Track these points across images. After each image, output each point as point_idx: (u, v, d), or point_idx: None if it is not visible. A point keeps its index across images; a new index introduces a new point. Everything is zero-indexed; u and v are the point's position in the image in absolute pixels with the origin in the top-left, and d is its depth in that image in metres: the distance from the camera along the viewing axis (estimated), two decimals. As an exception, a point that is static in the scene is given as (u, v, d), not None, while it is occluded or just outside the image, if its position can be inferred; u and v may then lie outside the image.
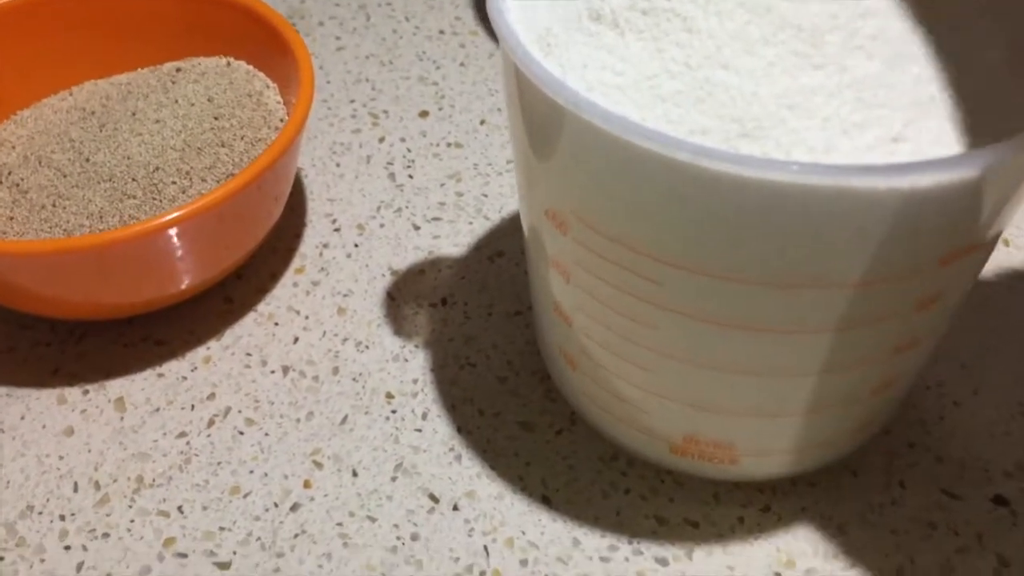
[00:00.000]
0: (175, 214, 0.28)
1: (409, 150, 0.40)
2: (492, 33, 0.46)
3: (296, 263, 0.36)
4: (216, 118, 0.34)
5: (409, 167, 0.40)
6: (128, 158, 0.33)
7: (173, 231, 0.29)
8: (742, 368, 0.23)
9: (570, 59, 0.21)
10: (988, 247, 0.23)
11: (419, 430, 0.31)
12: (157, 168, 0.32)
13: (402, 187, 0.39)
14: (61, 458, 0.30)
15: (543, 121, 0.22)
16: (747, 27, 0.19)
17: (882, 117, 0.19)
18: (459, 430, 0.31)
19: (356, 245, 0.36)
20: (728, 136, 0.19)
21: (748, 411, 0.25)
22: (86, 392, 0.31)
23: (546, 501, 0.29)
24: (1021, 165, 0.20)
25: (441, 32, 0.46)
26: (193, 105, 0.34)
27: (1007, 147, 0.18)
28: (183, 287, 0.32)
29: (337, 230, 0.37)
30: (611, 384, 0.26)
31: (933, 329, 0.24)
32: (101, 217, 0.31)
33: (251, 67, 0.36)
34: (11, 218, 0.32)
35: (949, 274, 0.22)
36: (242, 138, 0.34)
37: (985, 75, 0.20)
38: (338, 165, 0.40)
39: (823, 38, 0.19)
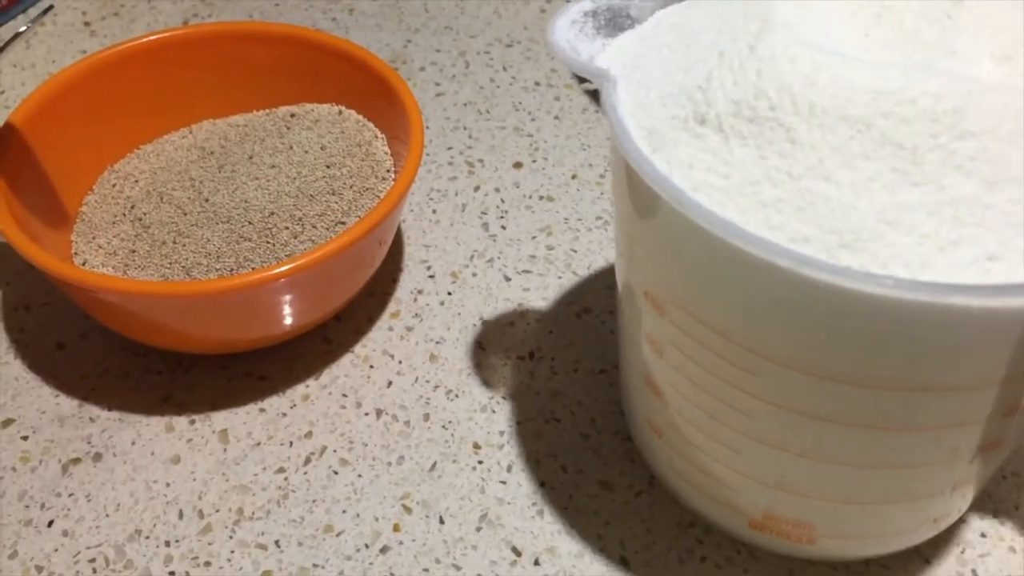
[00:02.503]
0: (292, 264, 0.30)
1: (503, 200, 0.42)
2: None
3: (392, 307, 0.37)
4: (328, 166, 0.36)
5: (502, 218, 0.41)
6: (245, 201, 0.34)
7: (288, 279, 0.30)
8: (829, 457, 0.24)
9: (676, 157, 0.22)
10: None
11: (504, 482, 0.32)
12: (272, 213, 0.34)
13: (495, 237, 0.40)
14: (168, 485, 0.32)
15: (650, 214, 0.23)
16: (848, 142, 0.21)
17: (978, 236, 0.20)
18: (542, 485, 0.32)
19: (449, 293, 0.38)
20: (828, 246, 0.20)
21: (831, 496, 0.26)
22: (193, 422, 0.33)
23: (624, 563, 0.30)
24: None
25: (537, 84, 0.48)
26: (307, 152, 0.36)
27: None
28: (290, 328, 0.33)
29: (432, 277, 0.38)
30: (696, 458, 0.27)
31: (1018, 431, 0.25)
32: (218, 257, 0.33)
33: (361, 116, 0.38)
34: (133, 251, 0.34)
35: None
36: (351, 187, 0.35)
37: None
38: (434, 212, 0.41)
39: (923, 156, 0.20)
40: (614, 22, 0.26)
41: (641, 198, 0.23)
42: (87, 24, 0.50)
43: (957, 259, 0.20)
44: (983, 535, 0.31)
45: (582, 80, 0.25)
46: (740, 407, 0.24)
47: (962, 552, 0.30)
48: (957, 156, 0.20)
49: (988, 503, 0.32)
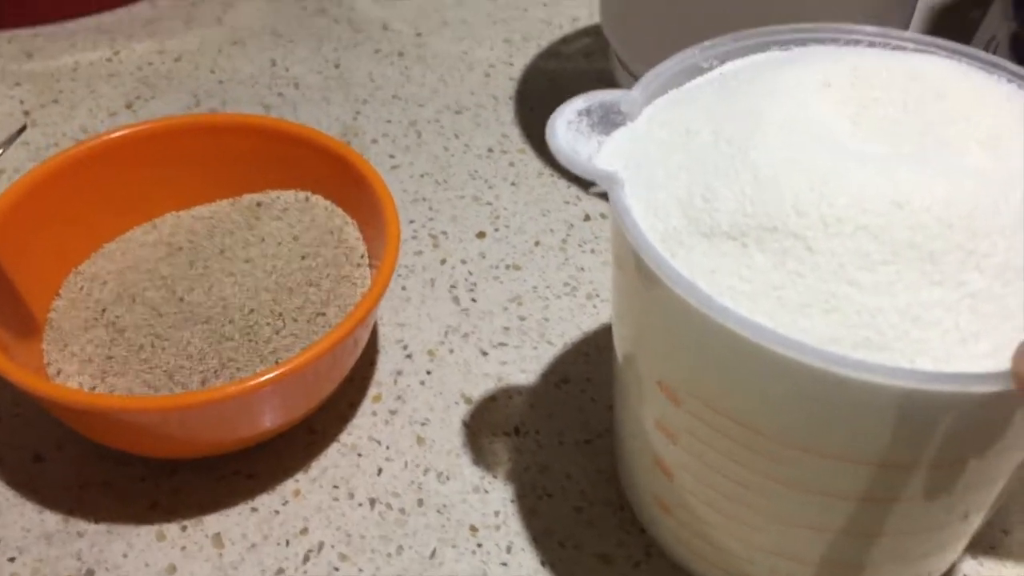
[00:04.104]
0: (282, 370, 0.30)
1: (471, 272, 0.42)
2: (540, 150, 0.48)
3: (373, 390, 0.37)
4: (303, 257, 0.36)
5: (472, 290, 0.41)
6: (223, 299, 0.34)
7: (276, 384, 0.30)
8: (845, 529, 0.25)
9: (696, 262, 0.23)
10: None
11: (505, 564, 0.32)
12: (252, 310, 0.34)
13: (467, 311, 0.40)
14: (166, 597, 0.31)
15: (672, 316, 0.24)
16: (867, 247, 0.22)
17: (995, 327, 0.21)
18: (543, 563, 0.32)
19: (428, 372, 0.38)
20: (856, 345, 0.21)
21: (845, 563, 0.27)
22: (184, 528, 0.33)
23: (632, 636, 0.31)
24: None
25: (490, 150, 0.48)
26: (280, 244, 0.36)
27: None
28: (276, 427, 0.33)
29: (409, 356, 0.39)
30: (708, 534, 0.28)
31: (1012, 489, 0.27)
32: (201, 359, 0.33)
33: (329, 202, 0.38)
34: (110, 357, 0.33)
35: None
36: (328, 276, 0.35)
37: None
38: (404, 288, 0.41)
39: (941, 258, 0.21)
40: (607, 119, 0.27)
41: (662, 301, 0.24)
42: (26, 113, 0.49)
43: (978, 350, 0.21)
44: (966, 576, 0.32)
45: (587, 183, 0.26)
46: (758, 490, 0.25)
47: (949, 595, 0.32)
48: (974, 256, 0.21)
49: (967, 546, 0.33)
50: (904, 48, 0.28)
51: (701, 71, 0.29)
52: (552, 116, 0.27)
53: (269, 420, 0.32)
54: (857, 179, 0.22)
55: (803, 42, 0.29)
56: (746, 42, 0.29)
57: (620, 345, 0.29)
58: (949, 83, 0.26)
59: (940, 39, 0.29)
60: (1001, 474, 0.25)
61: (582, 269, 0.42)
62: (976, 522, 0.28)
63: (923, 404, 0.21)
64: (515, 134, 0.49)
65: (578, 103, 0.27)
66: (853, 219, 0.22)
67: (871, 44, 0.29)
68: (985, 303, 0.21)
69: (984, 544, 0.33)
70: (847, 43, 0.29)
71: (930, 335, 0.21)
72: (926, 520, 0.25)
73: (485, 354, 0.39)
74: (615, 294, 0.29)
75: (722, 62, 0.29)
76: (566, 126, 0.26)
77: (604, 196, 0.24)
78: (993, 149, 0.24)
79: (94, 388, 0.33)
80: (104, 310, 0.35)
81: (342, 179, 0.38)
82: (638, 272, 0.25)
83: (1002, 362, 0.21)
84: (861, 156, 0.23)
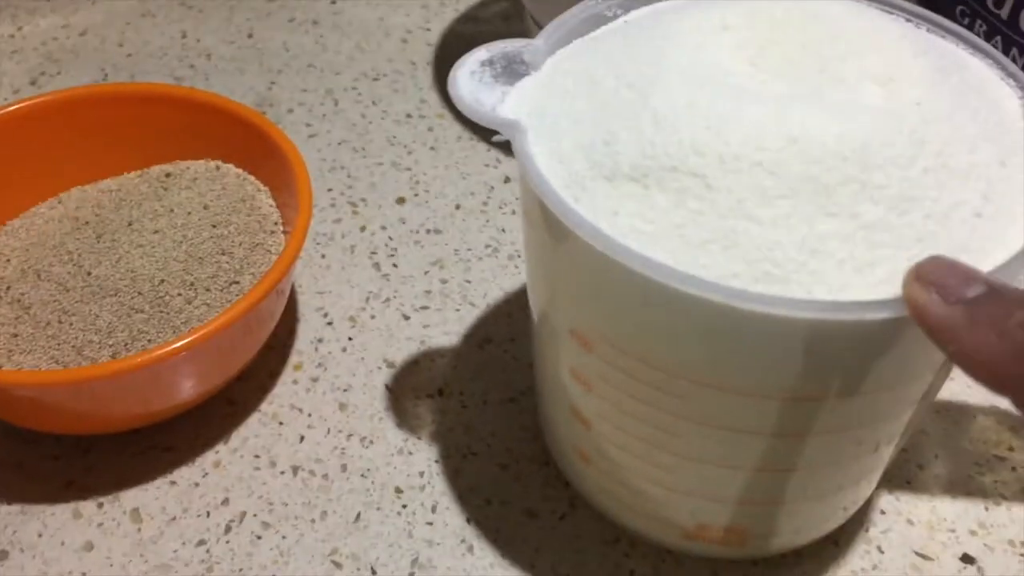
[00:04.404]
0: (192, 337, 0.29)
1: (391, 238, 0.42)
2: (459, 115, 0.48)
3: (294, 359, 0.37)
4: (214, 226, 0.35)
5: (392, 255, 0.41)
6: (132, 271, 0.33)
7: (191, 351, 0.30)
8: (758, 466, 0.26)
9: (599, 205, 0.23)
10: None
11: (431, 523, 0.32)
12: (162, 281, 0.33)
13: (388, 276, 0.40)
14: (84, 575, 0.30)
15: (578, 261, 0.24)
16: (764, 183, 0.22)
17: (889, 256, 0.22)
18: (468, 521, 0.32)
19: (350, 338, 0.38)
20: (756, 279, 0.21)
21: (761, 501, 0.27)
22: (100, 505, 0.32)
23: (558, 587, 0.31)
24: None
25: (408, 116, 0.48)
26: (190, 214, 0.35)
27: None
28: (193, 397, 0.32)
29: (330, 324, 0.38)
30: (628, 480, 0.28)
31: (920, 421, 0.27)
32: (110, 332, 0.32)
33: (240, 170, 0.38)
34: (15, 335, 0.32)
35: (940, 377, 0.25)
36: (241, 244, 0.35)
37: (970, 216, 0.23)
38: (323, 256, 0.41)
39: (835, 190, 0.22)
40: (510, 69, 0.26)
41: (567, 247, 0.24)
42: (-75, 92, 0.47)
43: (873, 278, 0.21)
44: (882, 512, 0.33)
45: (491, 133, 0.25)
46: (671, 430, 0.25)
47: (866, 531, 0.32)
48: (867, 187, 0.22)
49: (883, 480, 0.34)
50: (803, -10, 0.29)
51: (605, 20, 0.29)
52: (454, 66, 0.26)
53: (184, 391, 0.32)
54: (753, 117, 0.22)
55: None
56: None
57: (534, 297, 0.29)
58: (846, 23, 0.26)
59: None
60: (908, 403, 0.25)
61: (503, 231, 0.42)
62: (887, 454, 0.28)
63: (822, 334, 0.21)
64: (433, 99, 0.49)
65: (480, 53, 0.27)
66: (749, 156, 0.22)
67: None
68: (880, 233, 0.22)
69: (900, 478, 0.34)
70: (747, -13, 0.29)
71: (826, 266, 0.21)
72: (837, 453, 0.26)
73: (407, 318, 0.39)
74: (526, 247, 0.29)
75: (626, 11, 0.29)
76: (468, 76, 0.26)
77: (508, 146, 0.24)
78: (887, 85, 0.24)
79: (0, 367, 0.32)
80: (8, 287, 0.34)
81: (253, 147, 0.37)
82: (543, 219, 0.25)
83: (897, 288, 0.21)
84: (758, 95, 0.23)
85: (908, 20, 0.28)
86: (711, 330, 0.22)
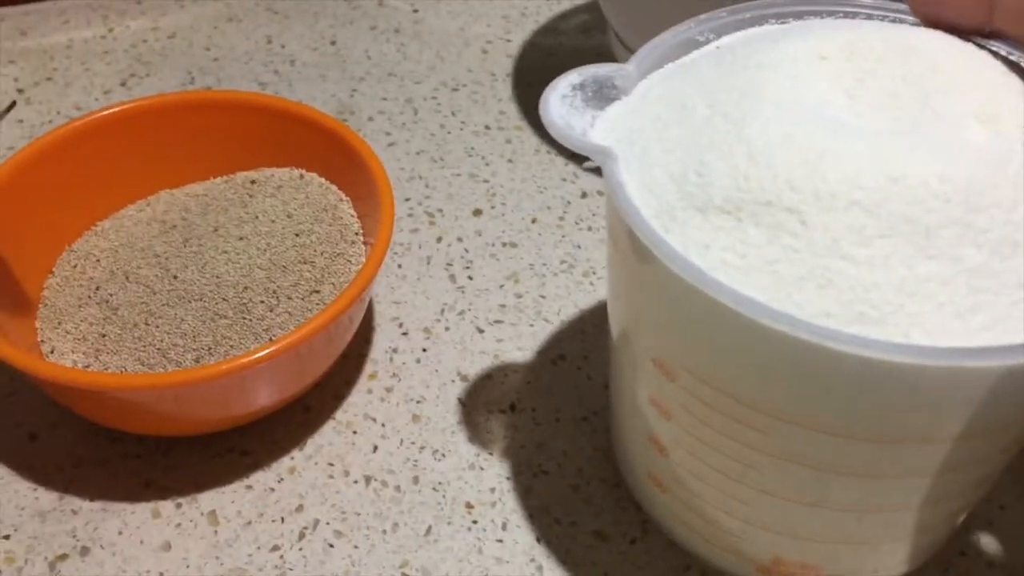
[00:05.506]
0: (274, 348, 0.30)
1: (467, 250, 0.42)
2: (537, 127, 0.48)
3: (368, 369, 0.37)
4: (297, 235, 0.36)
5: (468, 268, 0.41)
6: (217, 277, 0.34)
7: (272, 360, 0.30)
8: (838, 505, 0.25)
9: (690, 237, 0.23)
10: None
11: (500, 540, 0.32)
12: (246, 288, 0.34)
13: (463, 289, 0.40)
14: (162, 574, 0.31)
15: (666, 292, 0.24)
16: (861, 222, 0.21)
17: (991, 302, 0.21)
18: (538, 540, 0.32)
19: (424, 350, 0.38)
20: (850, 319, 0.21)
21: (841, 540, 0.27)
22: (179, 505, 0.33)
23: (627, 612, 0.31)
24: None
25: (487, 127, 0.48)
26: (274, 222, 0.36)
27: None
28: (272, 403, 0.33)
29: (405, 334, 0.39)
30: (703, 510, 0.28)
31: (1007, 463, 0.26)
32: (195, 337, 0.33)
33: (323, 179, 0.38)
34: (103, 335, 0.33)
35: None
36: (322, 254, 0.35)
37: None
38: (400, 266, 0.41)
39: (936, 233, 0.21)
40: (601, 93, 0.26)
41: (656, 277, 0.24)
42: (20, 91, 0.49)
43: (974, 324, 0.21)
44: (962, 553, 0.32)
45: (582, 159, 0.25)
46: (752, 464, 0.25)
47: (945, 572, 0.32)
48: (970, 230, 0.21)
49: (965, 521, 0.33)
50: (902, 21, 0.28)
51: (697, 45, 0.29)
52: (546, 90, 0.26)
53: (263, 398, 0.32)
54: (851, 153, 0.22)
55: (800, 15, 0.29)
56: (742, 15, 0.29)
57: (615, 322, 0.29)
58: (946, 56, 0.25)
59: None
60: (998, 451, 0.25)
61: (579, 247, 0.42)
62: (973, 498, 0.27)
63: (917, 379, 0.21)
64: (512, 111, 0.49)
65: (572, 77, 0.27)
66: (846, 194, 0.22)
67: (868, 16, 0.28)
68: (982, 278, 0.21)
69: (982, 519, 0.33)
70: (844, 15, 0.29)
71: (925, 309, 0.21)
72: (921, 496, 0.25)
73: (481, 331, 0.39)
74: (610, 271, 0.29)
75: (718, 36, 0.29)
76: (560, 100, 0.26)
77: (598, 171, 0.24)
78: (990, 123, 0.24)
79: (88, 366, 0.33)
80: (97, 288, 0.35)
81: (336, 156, 0.37)
82: (632, 248, 0.24)
83: (999, 336, 0.21)
84: (856, 130, 0.23)
85: (1008, 54, 0.27)
86: (801, 369, 0.22)
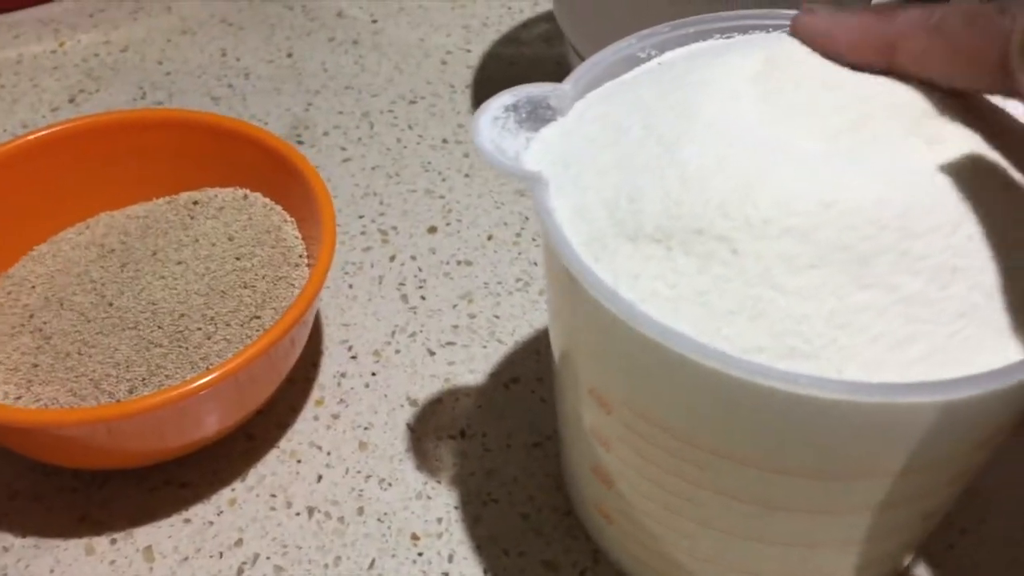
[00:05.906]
0: (209, 377, 0.29)
1: (420, 269, 0.41)
2: (495, 142, 0.47)
3: (315, 394, 0.36)
4: (238, 258, 0.35)
5: (421, 287, 0.40)
6: (153, 304, 0.33)
7: (205, 392, 0.29)
8: (783, 540, 0.24)
9: (620, 266, 0.22)
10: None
11: (446, 573, 0.31)
12: (182, 315, 0.33)
13: (415, 309, 0.39)
14: (93, 615, 0.30)
15: (597, 324, 0.23)
16: (794, 251, 0.20)
17: (928, 332, 0.20)
18: (486, 572, 0.31)
19: (373, 374, 0.37)
20: (782, 354, 0.20)
21: (787, 574, 0.26)
22: (114, 541, 0.32)
23: (575, 648, 0.30)
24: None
25: (444, 141, 0.47)
26: (215, 245, 0.35)
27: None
28: (211, 433, 0.32)
29: (354, 358, 0.37)
30: (650, 543, 0.27)
31: (957, 494, 0.26)
32: (128, 367, 0.32)
33: (268, 200, 0.37)
34: (35, 365, 0.32)
35: (981, 455, 0.23)
36: (264, 277, 0.34)
37: None
38: (351, 287, 0.40)
39: (872, 261, 0.20)
40: (535, 114, 0.25)
41: (586, 308, 0.23)
42: (-34, 108, 0.48)
43: (911, 355, 0.20)
44: (922, 579, 0.31)
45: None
46: (692, 498, 0.24)
47: (903, 599, 0.31)
48: (907, 257, 0.20)
49: (921, 548, 0.32)
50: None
51: (639, 61, 0.28)
52: (476, 112, 0.25)
53: (201, 429, 0.31)
54: (784, 178, 0.21)
55: (745, 29, 0.28)
56: (686, 30, 0.28)
57: (555, 346, 0.28)
58: (889, 77, 0.24)
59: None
60: (941, 485, 0.24)
61: (535, 264, 0.41)
62: (920, 530, 0.27)
63: (850, 415, 0.20)
64: (471, 123, 0.48)
65: (505, 98, 0.26)
66: (779, 220, 0.21)
67: None
68: (918, 308, 0.20)
69: (942, 543, 0.32)
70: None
71: (858, 341, 0.20)
72: (864, 531, 0.24)
73: (433, 354, 0.38)
74: (549, 297, 0.28)
75: (661, 52, 0.28)
76: (491, 123, 0.25)
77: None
78: (935, 144, 0.23)
79: (19, 398, 0.32)
80: (31, 316, 0.34)
81: (282, 176, 0.36)
82: (562, 277, 0.24)
83: (937, 368, 0.20)
84: (791, 153, 0.22)
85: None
86: (733, 405, 0.21)
